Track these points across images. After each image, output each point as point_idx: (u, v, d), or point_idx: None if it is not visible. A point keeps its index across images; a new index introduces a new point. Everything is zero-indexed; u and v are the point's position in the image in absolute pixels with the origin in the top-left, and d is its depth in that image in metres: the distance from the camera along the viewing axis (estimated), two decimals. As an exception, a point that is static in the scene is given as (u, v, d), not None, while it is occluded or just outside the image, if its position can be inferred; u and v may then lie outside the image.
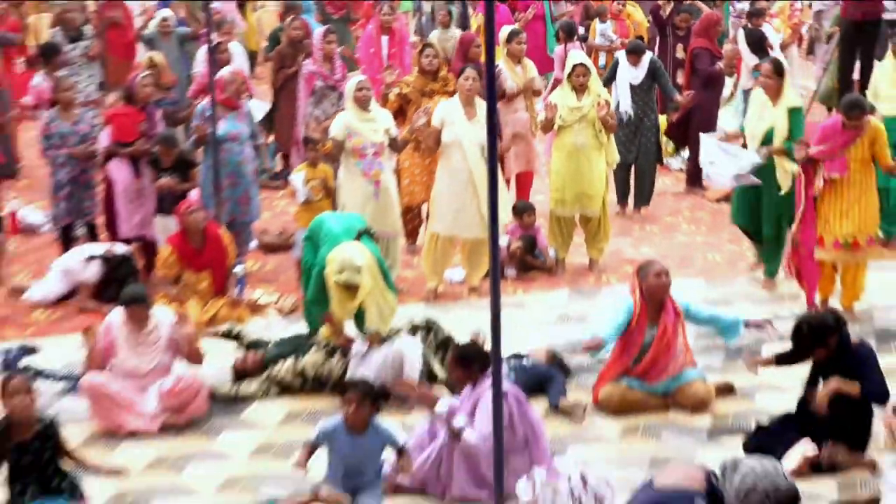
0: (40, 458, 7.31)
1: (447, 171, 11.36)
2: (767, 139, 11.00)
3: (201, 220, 10.77)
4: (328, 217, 9.99)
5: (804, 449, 7.75)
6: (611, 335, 8.75)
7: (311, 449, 7.42)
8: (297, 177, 11.97)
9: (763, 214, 11.22)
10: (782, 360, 8.28)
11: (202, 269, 10.85)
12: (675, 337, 8.81)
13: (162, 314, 9.02)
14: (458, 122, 11.27)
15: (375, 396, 7.39)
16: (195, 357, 8.93)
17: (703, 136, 11.69)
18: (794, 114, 11.01)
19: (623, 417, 8.68)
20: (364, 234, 9.52)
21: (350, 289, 9.07)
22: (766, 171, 10.96)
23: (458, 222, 11.31)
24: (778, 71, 11.05)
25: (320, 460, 7.44)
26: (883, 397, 7.69)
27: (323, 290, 9.27)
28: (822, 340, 7.71)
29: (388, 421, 7.69)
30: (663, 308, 8.77)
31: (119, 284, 10.43)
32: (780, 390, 8.87)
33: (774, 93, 10.99)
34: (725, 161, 11.16)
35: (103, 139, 12.02)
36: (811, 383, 7.88)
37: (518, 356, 9.25)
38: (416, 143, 11.97)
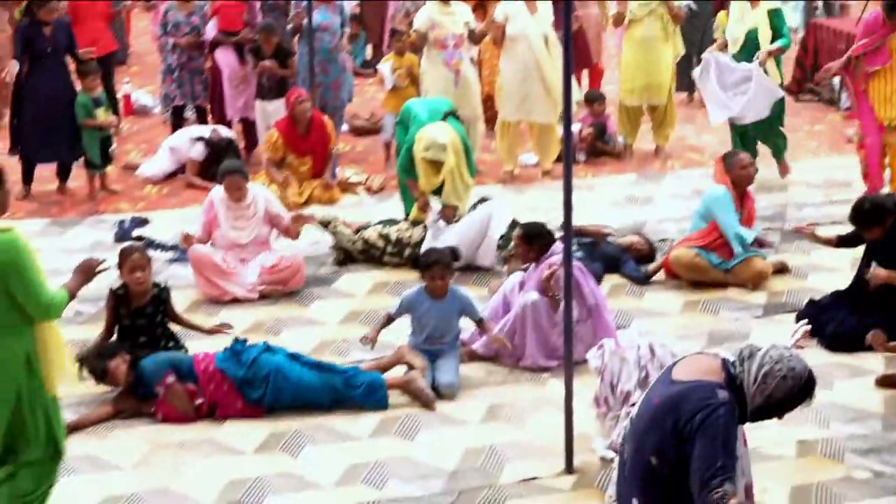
0: (153, 321, 7.42)
1: (512, 61, 11.24)
2: (750, 42, 10.66)
3: (308, 109, 10.70)
4: (417, 102, 9.97)
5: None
6: (746, 232, 8.71)
7: (386, 322, 7.41)
8: (385, 65, 11.86)
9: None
10: (842, 241, 8.16)
11: (305, 153, 10.81)
12: (752, 220, 8.83)
13: (259, 190, 9.02)
14: (521, 15, 11.14)
15: (452, 264, 7.37)
16: (292, 233, 8.90)
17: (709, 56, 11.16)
18: (775, 14, 10.67)
19: (685, 291, 8.59)
20: (450, 115, 9.49)
21: (435, 164, 9.12)
22: None
23: (525, 108, 11.25)
24: None
25: (400, 329, 7.44)
26: None
27: (412, 166, 9.28)
28: (879, 220, 7.61)
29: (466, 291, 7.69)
30: (745, 193, 8.81)
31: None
32: (831, 271, 8.78)
33: None
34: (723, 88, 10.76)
35: (210, 29, 11.98)
36: (865, 265, 7.73)
37: (580, 234, 9.10)
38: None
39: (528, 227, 7.79)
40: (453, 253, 7.65)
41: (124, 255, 7.34)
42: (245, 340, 7.13)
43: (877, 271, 7.56)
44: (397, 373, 7.19)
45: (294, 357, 7.03)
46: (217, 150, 11.25)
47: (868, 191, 9.84)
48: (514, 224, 9.02)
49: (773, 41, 10.59)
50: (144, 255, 7.44)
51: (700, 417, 4.47)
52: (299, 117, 10.68)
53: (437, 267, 7.33)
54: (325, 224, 9.31)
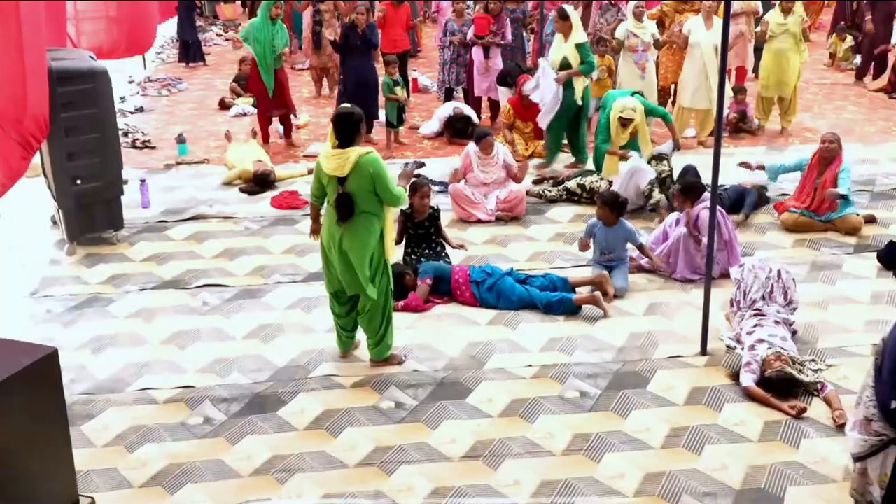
0: (429, 232, 7.45)
1: (691, 63, 10.86)
2: (563, 66, 9.70)
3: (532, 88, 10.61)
4: (612, 92, 9.71)
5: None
6: (771, 168, 8.51)
7: (588, 236, 7.25)
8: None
9: (561, 115, 9.95)
10: None
11: (528, 119, 10.68)
12: (828, 182, 8.19)
13: (500, 147, 8.95)
14: (699, 30, 10.75)
15: (618, 205, 7.16)
16: (519, 176, 8.84)
17: (541, 61, 10.30)
18: (580, 47, 9.67)
19: (795, 233, 8.17)
20: (636, 93, 9.36)
21: (625, 124, 8.87)
22: (566, 85, 9.80)
23: (695, 97, 10.88)
24: (563, 16, 9.70)
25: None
26: None
27: (607, 129, 9.04)
28: None
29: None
30: (829, 166, 8.21)
31: (464, 129, 10.46)
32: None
33: (566, 33, 9.70)
34: (544, 86, 9.90)
35: (469, 33, 11.89)
36: None
37: (725, 188, 8.82)
38: (671, 44, 11.43)
39: (685, 183, 7.50)
40: (619, 196, 7.39)
41: (414, 185, 7.34)
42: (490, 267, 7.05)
43: None
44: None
45: (521, 281, 6.90)
46: (459, 121, 11.22)
47: None
48: (653, 181, 8.67)
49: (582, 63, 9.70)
50: (428, 186, 7.44)
51: None
52: (523, 95, 10.56)
53: (602, 201, 7.16)
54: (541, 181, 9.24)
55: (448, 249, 7.53)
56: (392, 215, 5.79)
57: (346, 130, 5.49)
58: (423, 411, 5.41)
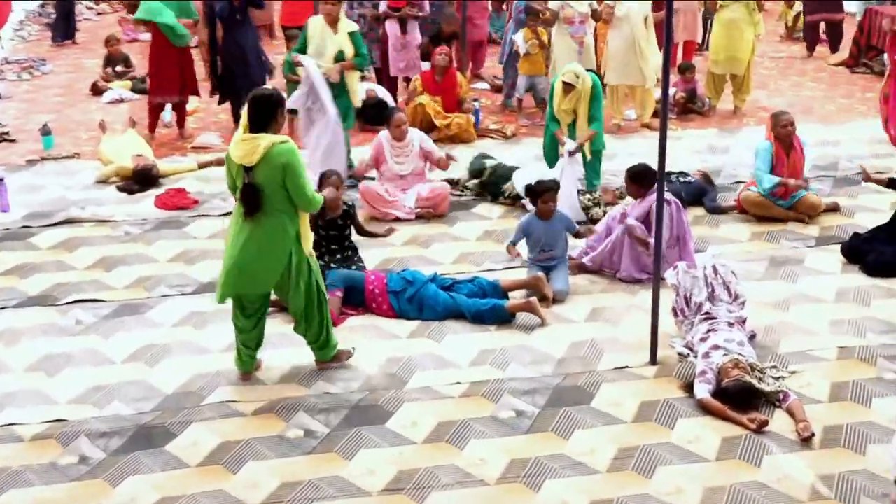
0: (342, 232, 7.43)
1: (618, 36, 11.00)
2: (338, 59, 9.11)
3: (443, 60, 10.89)
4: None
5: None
6: (768, 178, 8.35)
7: (521, 237, 7.31)
8: (519, 36, 11.61)
9: None
10: (891, 183, 7.82)
11: (437, 94, 10.85)
12: (801, 167, 8.50)
13: (415, 132, 8.93)
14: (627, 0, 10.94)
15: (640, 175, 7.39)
16: (443, 165, 8.85)
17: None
18: (353, 36, 9.29)
19: (752, 224, 8.37)
20: (590, 70, 9.28)
21: (567, 90, 8.66)
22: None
23: (624, 73, 11.04)
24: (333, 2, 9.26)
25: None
26: None
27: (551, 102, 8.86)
28: None
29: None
30: (792, 145, 8.44)
31: (378, 116, 10.52)
32: (874, 211, 8.51)
33: (332, 21, 9.20)
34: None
35: (383, 5, 11.90)
36: None
37: (684, 174, 9.06)
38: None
39: (634, 168, 7.59)
40: (556, 183, 7.51)
41: (325, 178, 7.26)
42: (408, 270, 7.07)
43: None
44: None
45: (446, 287, 6.90)
46: (372, 106, 11.16)
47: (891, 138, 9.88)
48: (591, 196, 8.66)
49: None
50: (340, 177, 7.37)
51: None
52: (438, 66, 10.85)
53: (548, 193, 7.23)
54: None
55: (362, 253, 7.50)
56: (306, 220, 5.80)
57: (261, 114, 5.51)
58: (336, 440, 5.38)
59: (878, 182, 7.95)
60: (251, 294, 5.83)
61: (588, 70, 9.12)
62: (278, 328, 6.45)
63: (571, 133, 8.81)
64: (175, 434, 5.42)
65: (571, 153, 8.49)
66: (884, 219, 7.82)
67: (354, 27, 9.42)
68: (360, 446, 5.30)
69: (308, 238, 5.81)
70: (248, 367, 6.02)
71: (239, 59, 10.48)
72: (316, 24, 9.21)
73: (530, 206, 7.61)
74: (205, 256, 7.77)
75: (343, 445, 5.32)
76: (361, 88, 11.53)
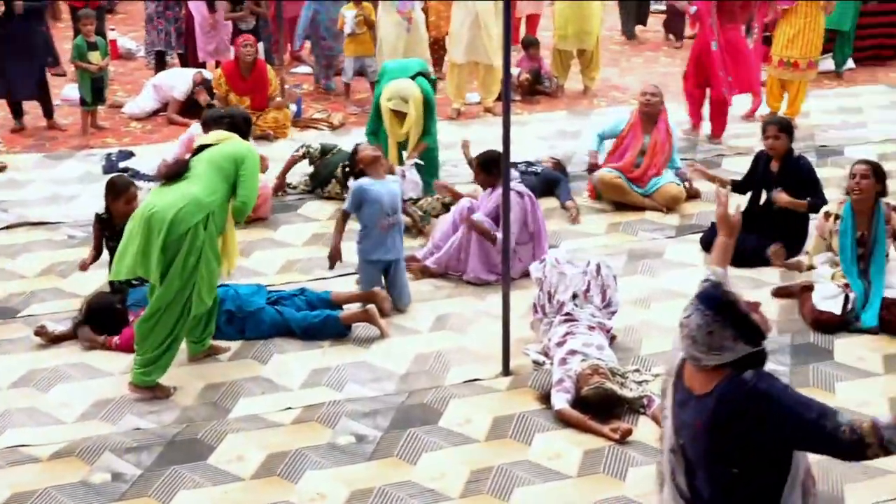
0: None
1: (461, 10, 11.15)
2: None
3: (251, 53, 10.58)
4: (391, 63, 9.49)
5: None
6: (595, 143, 9.08)
7: (343, 218, 7.19)
8: (349, 13, 11.59)
9: None
10: (735, 186, 8.01)
11: (245, 93, 10.60)
12: (662, 151, 8.78)
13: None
14: None
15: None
16: (262, 166, 8.77)
17: None
18: None
19: (608, 214, 8.63)
20: (419, 75, 8.93)
21: (399, 116, 8.67)
22: None
23: (470, 50, 11.18)
24: None
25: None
26: (819, 208, 7.52)
27: (379, 118, 8.86)
28: (787, 131, 7.73)
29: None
30: (656, 125, 8.75)
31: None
32: (735, 197, 8.76)
33: None
34: None
35: (184, -21, 11.78)
36: (758, 191, 7.87)
37: (530, 163, 9.19)
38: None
39: (484, 156, 7.70)
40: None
41: (110, 183, 7.16)
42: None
43: (780, 195, 7.60)
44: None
45: (272, 302, 6.86)
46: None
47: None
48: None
49: None
50: (135, 187, 7.22)
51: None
52: (243, 59, 10.55)
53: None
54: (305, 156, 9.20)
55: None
56: (233, 230, 6.05)
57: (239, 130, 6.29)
58: (149, 481, 5.29)
59: (718, 182, 8.09)
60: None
61: (416, 75, 8.84)
62: (78, 357, 6.32)
63: (404, 146, 8.81)
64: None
65: (405, 176, 8.39)
66: (743, 205, 8.12)
67: None
68: (178, 488, 5.23)
69: (233, 255, 6.23)
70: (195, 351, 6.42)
71: (20, 45, 10.21)
72: None
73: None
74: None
75: (158, 488, 5.23)
76: (184, 74, 11.31)
